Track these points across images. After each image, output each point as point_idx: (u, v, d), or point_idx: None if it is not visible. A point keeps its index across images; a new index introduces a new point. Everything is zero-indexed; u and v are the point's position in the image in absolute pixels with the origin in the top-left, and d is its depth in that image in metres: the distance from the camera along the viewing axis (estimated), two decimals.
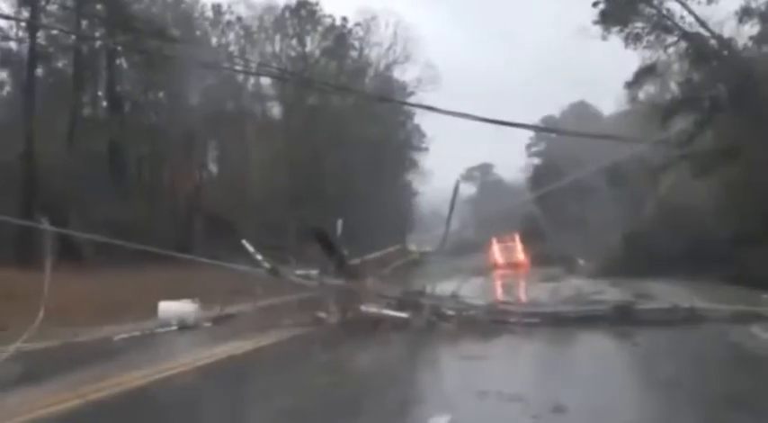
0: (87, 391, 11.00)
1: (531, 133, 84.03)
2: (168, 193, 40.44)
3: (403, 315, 18.64)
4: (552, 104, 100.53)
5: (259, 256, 19.97)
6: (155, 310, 20.57)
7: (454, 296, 19.87)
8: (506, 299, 25.20)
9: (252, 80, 48.88)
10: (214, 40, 47.39)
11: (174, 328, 19.10)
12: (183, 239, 33.42)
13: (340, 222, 22.05)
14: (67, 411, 10.11)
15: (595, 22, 36.00)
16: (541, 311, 19.45)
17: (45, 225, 12.41)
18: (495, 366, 13.88)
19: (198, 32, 46.34)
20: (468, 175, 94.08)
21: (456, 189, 23.90)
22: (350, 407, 10.65)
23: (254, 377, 13.32)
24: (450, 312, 19.14)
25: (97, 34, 38.85)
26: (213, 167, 47.34)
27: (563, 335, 17.28)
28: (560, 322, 18.21)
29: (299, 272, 20.36)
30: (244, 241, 20.59)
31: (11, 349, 12.03)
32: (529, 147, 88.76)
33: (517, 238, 52.54)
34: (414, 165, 62.94)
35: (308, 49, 50.34)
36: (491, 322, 18.56)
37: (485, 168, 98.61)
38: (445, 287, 20.78)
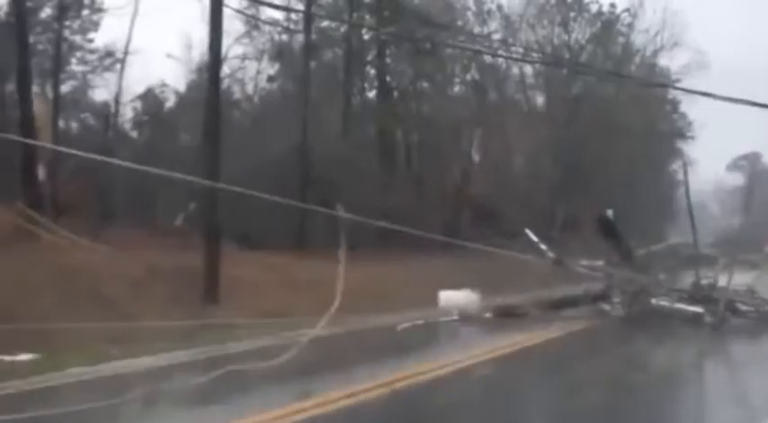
0: (390, 380, 10.79)
1: None
2: (436, 182, 40.53)
3: (696, 309, 17.66)
4: None
5: (543, 246, 19.44)
6: (429, 298, 20.38)
7: (750, 290, 18.63)
8: None
9: (516, 69, 48.48)
10: (476, 29, 47.10)
11: (456, 317, 18.83)
12: (450, 228, 33.28)
13: (611, 212, 21.19)
14: (378, 400, 9.91)
15: None
16: None
17: (341, 212, 12.25)
18: None
19: (460, 22, 46.16)
20: (735, 165, 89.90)
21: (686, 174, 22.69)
22: (668, 408, 9.96)
23: (556, 369, 12.82)
24: (746, 308, 18.01)
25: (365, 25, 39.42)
26: (476, 156, 47.14)
27: None
28: None
29: (584, 262, 19.68)
30: (527, 230, 20.11)
31: (308, 337, 12.00)
32: None
33: None
34: (679, 154, 60.63)
35: (573, 36, 49.43)
36: None
37: (753, 158, 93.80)
38: (736, 281, 19.53)
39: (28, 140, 22.80)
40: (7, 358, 13.19)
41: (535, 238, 19.80)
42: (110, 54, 34.70)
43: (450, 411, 9.66)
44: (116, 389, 10.11)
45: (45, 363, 12.55)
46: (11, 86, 30.59)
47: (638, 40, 52.42)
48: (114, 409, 8.95)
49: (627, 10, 50.45)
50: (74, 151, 17.14)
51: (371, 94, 42.24)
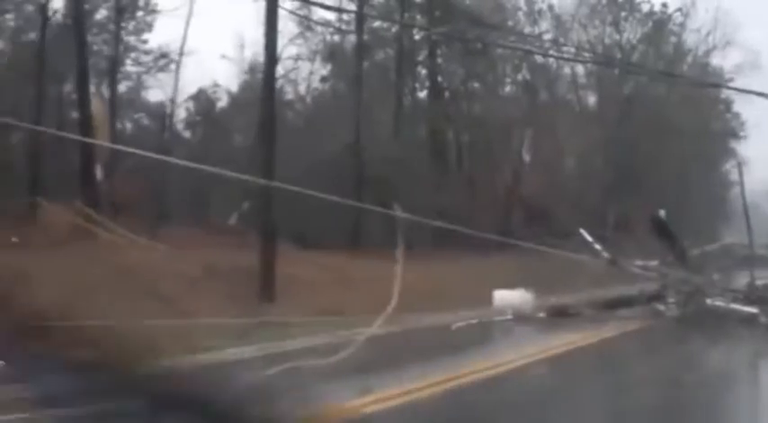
0: (445, 378, 10.89)
1: None
2: (487, 182, 40.52)
3: (751, 310, 17.57)
4: None
5: (598, 246, 19.42)
6: (483, 297, 20.38)
7: None
8: None
9: (567, 69, 48.31)
10: (527, 29, 46.99)
11: (509, 317, 18.86)
12: (503, 227, 33.29)
13: (663, 212, 21.14)
14: (433, 398, 10.01)
15: None
16: None
17: (398, 212, 12.37)
18: None
19: (510, 22, 46.10)
20: None
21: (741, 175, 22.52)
22: (723, 408, 9.97)
23: (610, 369, 12.83)
24: None
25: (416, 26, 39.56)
26: (528, 156, 47.01)
27: None
28: None
29: (638, 262, 19.62)
30: (582, 230, 20.10)
31: (365, 335, 12.12)
32: None
33: None
34: (732, 154, 60.10)
35: (624, 35, 49.11)
36: None
37: None
38: None
39: (92, 141, 23.19)
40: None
41: (589, 238, 19.79)
42: (164, 55, 35.14)
43: (504, 410, 9.71)
44: None
45: (105, 359, 12.74)
46: (67, 87, 31.17)
47: (689, 39, 51.99)
48: None
49: (679, 9, 50.03)
50: (134, 150, 17.49)
51: (422, 94, 42.42)
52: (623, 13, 49.51)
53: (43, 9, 29.43)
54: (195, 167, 15.33)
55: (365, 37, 37.62)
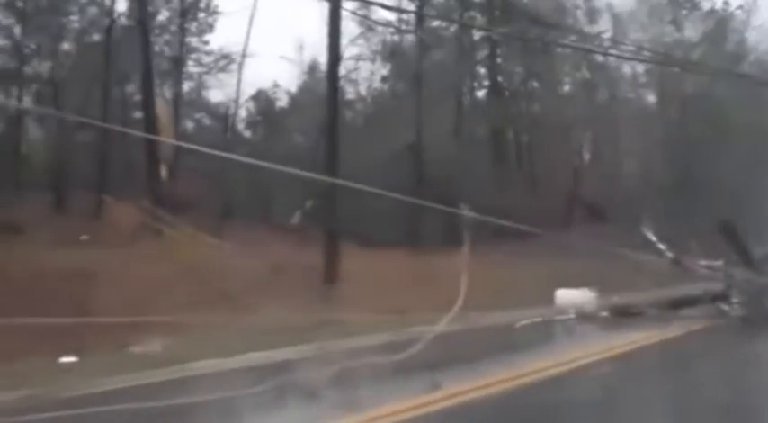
0: (511, 376, 10.94)
1: None
2: (548, 181, 40.38)
3: None
4: None
5: (662, 246, 19.30)
6: (546, 296, 20.36)
7: None
8: None
9: (628, 68, 47.91)
10: (585, 28, 46.63)
11: (572, 316, 18.82)
12: (562, 227, 33.19)
13: (729, 216, 20.97)
14: (500, 395, 10.07)
15: None
16: None
17: (466, 212, 12.50)
18: None
19: (570, 20, 45.76)
20: None
21: None
22: None
23: (674, 367, 12.76)
24: None
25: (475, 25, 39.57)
26: (587, 155, 46.82)
27: None
28: None
29: (703, 262, 19.47)
30: (645, 230, 19.98)
31: (433, 332, 12.22)
32: None
33: None
34: None
35: (685, 34, 48.57)
36: None
37: None
38: None
39: (159, 138, 23.54)
40: (138, 349, 13.74)
41: (654, 238, 19.67)
42: (225, 56, 35.53)
43: (568, 409, 9.74)
44: (245, 380, 10.45)
45: (173, 354, 12.97)
46: (130, 87, 31.65)
47: (751, 37, 51.27)
48: (246, 399, 9.29)
49: (740, 7, 49.39)
50: (204, 149, 17.65)
51: (482, 93, 42.47)
52: (683, 12, 48.99)
53: (110, 12, 29.94)
54: (261, 165, 15.48)
55: (425, 37, 37.68)
